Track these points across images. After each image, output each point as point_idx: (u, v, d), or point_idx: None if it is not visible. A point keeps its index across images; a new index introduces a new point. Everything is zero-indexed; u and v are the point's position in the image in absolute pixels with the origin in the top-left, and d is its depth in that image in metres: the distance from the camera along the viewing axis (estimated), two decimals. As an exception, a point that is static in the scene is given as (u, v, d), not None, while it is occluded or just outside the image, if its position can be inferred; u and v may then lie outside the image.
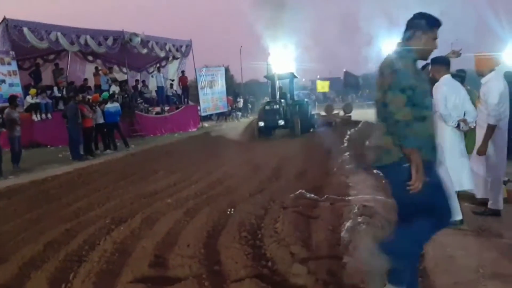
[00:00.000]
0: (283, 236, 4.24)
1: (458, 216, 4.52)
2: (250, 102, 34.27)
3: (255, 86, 48.43)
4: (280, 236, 4.26)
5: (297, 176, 7.66)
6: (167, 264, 3.82)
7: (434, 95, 4.37)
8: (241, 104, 32.04)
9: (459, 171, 4.48)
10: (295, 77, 17.75)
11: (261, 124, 15.10)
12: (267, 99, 20.00)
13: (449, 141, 4.42)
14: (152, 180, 8.01)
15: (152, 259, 3.88)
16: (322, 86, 37.75)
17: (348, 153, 9.28)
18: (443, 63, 4.55)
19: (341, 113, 22.53)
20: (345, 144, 11.25)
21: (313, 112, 18.28)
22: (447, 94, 4.37)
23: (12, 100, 10.56)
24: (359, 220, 4.41)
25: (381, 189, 6.30)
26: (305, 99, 18.37)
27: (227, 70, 48.78)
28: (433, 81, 4.49)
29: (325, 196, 5.94)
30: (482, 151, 4.67)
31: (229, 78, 46.65)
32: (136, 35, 18.34)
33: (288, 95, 17.17)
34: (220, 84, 24.44)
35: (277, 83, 16.73)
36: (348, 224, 4.40)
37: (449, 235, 4.26)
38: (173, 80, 22.31)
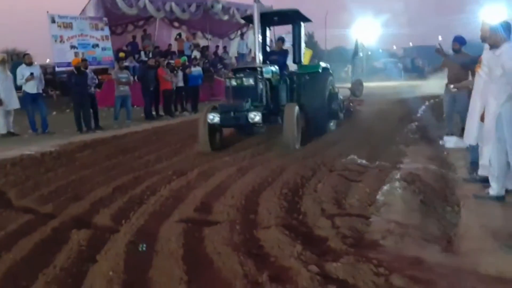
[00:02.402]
0: (320, 194, 4.50)
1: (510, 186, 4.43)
2: (331, 70, 33.65)
3: (341, 53, 47.19)
4: (317, 194, 4.53)
5: (356, 143, 7.72)
6: (211, 210, 4.30)
7: (502, 64, 4.19)
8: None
9: None
10: (304, 19, 8.89)
11: (214, 118, 6.98)
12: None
13: (510, 114, 4.25)
14: (239, 132, 8.48)
15: (199, 205, 4.37)
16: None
17: (415, 123, 9.09)
18: (505, 29, 4.33)
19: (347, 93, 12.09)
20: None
21: (337, 90, 9.63)
22: None
23: (118, 60, 11.96)
24: (397, 184, 4.52)
25: (437, 160, 6.25)
26: (321, 64, 9.17)
27: (311, 37, 48.17)
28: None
29: (376, 163, 6.03)
30: None
31: (312, 45, 46.20)
32: (217, 1, 18.94)
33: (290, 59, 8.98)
34: (300, 51, 24.34)
35: (258, 33, 7.83)
36: (385, 187, 4.54)
37: (488, 207, 4.26)
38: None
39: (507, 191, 4.42)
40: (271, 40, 9.26)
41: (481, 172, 4.91)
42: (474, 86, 4.98)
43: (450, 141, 7.39)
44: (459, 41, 7.57)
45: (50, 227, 3.92)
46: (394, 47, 54.97)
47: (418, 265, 3.05)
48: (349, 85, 11.86)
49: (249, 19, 8.66)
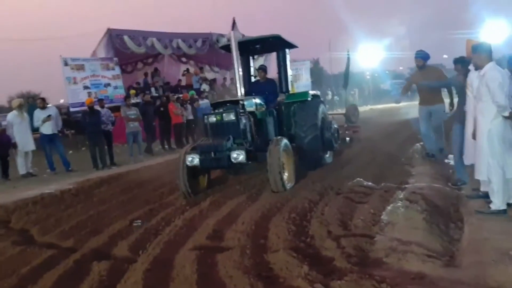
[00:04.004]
0: (327, 217, 4.70)
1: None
2: (337, 95, 34.09)
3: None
4: (324, 217, 4.72)
5: (362, 165, 7.93)
6: (222, 237, 4.51)
7: (486, 83, 4.42)
8: (329, 97, 32.07)
9: (508, 160, 4.53)
10: (288, 45, 8.25)
11: (193, 160, 6.37)
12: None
13: (500, 130, 4.47)
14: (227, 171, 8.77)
15: (211, 232, 4.60)
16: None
17: (420, 143, 9.25)
18: (486, 50, 4.58)
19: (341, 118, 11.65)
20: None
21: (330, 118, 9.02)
22: (503, 82, 4.37)
23: (125, 98, 12.65)
24: (401, 204, 4.70)
25: (441, 179, 6.40)
26: (312, 92, 8.59)
27: (317, 63, 49.03)
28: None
29: (382, 184, 6.20)
30: None
31: (318, 70, 46.91)
32: (222, 36, 19.55)
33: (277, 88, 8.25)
34: (305, 78, 24.88)
35: (238, 63, 7.07)
36: (389, 207, 4.72)
37: (491, 221, 4.40)
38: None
39: (508, 205, 4.57)
40: (255, 69, 8.67)
41: (483, 188, 5.07)
42: (466, 107, 5.21)
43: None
44: (422, 56, 7.35)
45: (72, 260, 4.16)
46: (401, 68, 55.41)
47: (420, 279, 3.22)
48: (343, 111, 11.47)
49: (227, 48, 7.63)
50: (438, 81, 7.07)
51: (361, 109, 20.47)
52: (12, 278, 3.83)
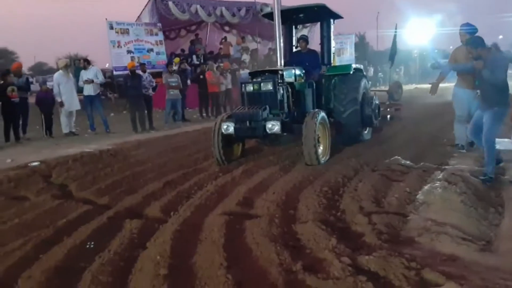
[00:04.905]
0: (360, 193, 4.59)
1: None
2: (382, 71, 33.09)
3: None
4: (357, 193, 4.62)
5: (401, 144, 7.68)
6: (252, 205, 4.51)
7: None
8: (371, 73, 31.14)
9: None
10: (333, 15, 7.88)
11: (228, 128, 6.28)
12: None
13: None
14: (262, 141, 8.72)
15: (241, 199, 4.60)
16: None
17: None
18: None
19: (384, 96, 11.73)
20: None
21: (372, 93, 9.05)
22: None
23: (167, 65, 12.85)
24: (438, 185, 4.51)
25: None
26: (355, 65, 8.16)
27: (362, 38, 47.53)
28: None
29: (421, 164, 5.99)
30: None
31: (364, 46, 45.46)
32: (266, 5, 19.22)
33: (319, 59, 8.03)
34: (349, 52, 24.22)
35: (280, 32, 7.01)
36: (426, 187, 4.55)
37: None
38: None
39: None
40: (297, 39, 8.32)
41: None
42: None
43: (501, 144, 7.17)
44: (468, 30, 6.30)
45: (106, 216, 4.29)
46: (451, 47, 52.97)
47: (452, 261, 3.10)
48: (387, 88, 11.14)
49: (270, 17, 7.36)
50: (464, 64, 6.06)
51: (406, 87, 19.76)
52: (49, 229, 3.99)
